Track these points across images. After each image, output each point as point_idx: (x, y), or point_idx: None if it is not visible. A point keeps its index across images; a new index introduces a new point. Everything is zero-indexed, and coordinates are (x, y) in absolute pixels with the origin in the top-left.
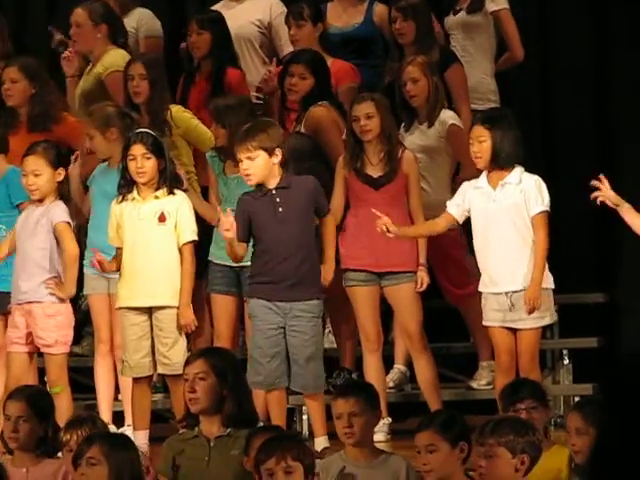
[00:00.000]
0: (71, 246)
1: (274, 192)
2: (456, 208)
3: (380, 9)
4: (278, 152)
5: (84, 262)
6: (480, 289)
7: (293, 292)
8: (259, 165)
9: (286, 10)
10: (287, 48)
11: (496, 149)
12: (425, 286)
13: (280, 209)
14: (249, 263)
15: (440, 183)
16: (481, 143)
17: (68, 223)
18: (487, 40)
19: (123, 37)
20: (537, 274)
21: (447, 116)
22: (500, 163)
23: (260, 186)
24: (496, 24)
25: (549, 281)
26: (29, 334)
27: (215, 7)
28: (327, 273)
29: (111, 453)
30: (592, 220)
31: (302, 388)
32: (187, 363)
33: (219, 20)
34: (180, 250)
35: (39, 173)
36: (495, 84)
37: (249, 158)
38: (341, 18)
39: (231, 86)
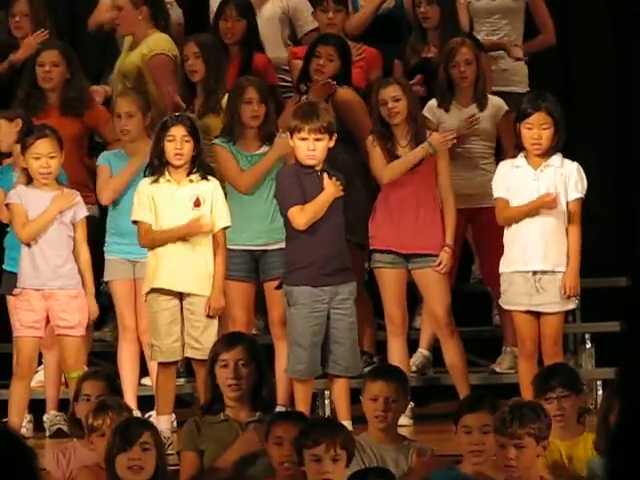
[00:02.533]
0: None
1: (320, 173)
2: (507, 192)
3: None
4: (334, 137)
5: (105, 248)
6: (506, 269)
7: (338, 275)
8: (324, 148)
9: None
10: (305, 27)
11: (557, 135)
12: (444, 269)
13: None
14: (271, 247)
15: (491, 164)
16: (545, 130)
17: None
18: (522, 24)
19: (164, 20)
20: (574, 261)
21: (502, 102)
22: (555, 149)
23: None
24: (528, 9)
25: None
26: (45, 318)
27: None
28: None
29: (158, 440)
30: (614, 204)
31: (345, 371)
32: (223, 349)
33: (252, 7)
34: (214, 236)
35: (54, 156)
36: None
37: (318, 140)
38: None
39: (259, 71)
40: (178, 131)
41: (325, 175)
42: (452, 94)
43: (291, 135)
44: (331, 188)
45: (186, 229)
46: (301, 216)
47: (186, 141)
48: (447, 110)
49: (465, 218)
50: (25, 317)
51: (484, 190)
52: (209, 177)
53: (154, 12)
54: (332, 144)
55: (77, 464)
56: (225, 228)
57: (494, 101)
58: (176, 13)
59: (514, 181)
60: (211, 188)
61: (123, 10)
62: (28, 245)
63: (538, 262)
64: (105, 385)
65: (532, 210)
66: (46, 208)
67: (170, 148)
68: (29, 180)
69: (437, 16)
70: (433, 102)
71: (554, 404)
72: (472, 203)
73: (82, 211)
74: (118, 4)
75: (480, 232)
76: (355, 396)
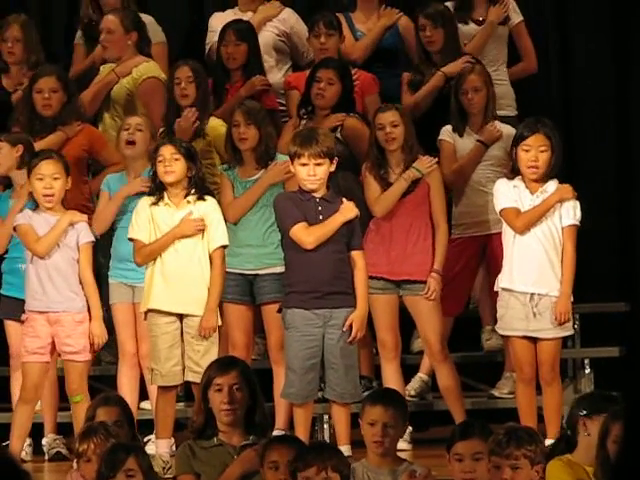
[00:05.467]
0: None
1: (317, 200)
2: (515, 203)
3: (405, 20)
4: (334, 161)
5: (109, 272)
6: (503, 285)
7: (333, 299)
8: (325, 172)
9: (298, 17)
10: (310, 55)
11: (554, 160)
12: (433, 294)
13: (321, 217)
14: (262, 271)
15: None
16: (542, 153)
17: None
18: (506, 50)
19: (147, 45)
20: (566, 287)
21: (512, 130)
22: (551, 174)
23: (303, 191)
24: (511, 35)
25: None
26: (50, 343)
27: (224, 15)
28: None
29: (144, 463)
30: (614, 229)
31: (340, 397)
32: (217, 373)
33: (253, 30)
34: (211, 255)
35: (58, 177)
36: None
37: (319, 165)
38: (365, 25)
39: (260, 95)
40: (167, 150)
41: (344, 199)
42: (465, 120)
43: (291, 161)
44: (342, 214)
45: (179, 229)
46: (307, 234)
47: (175, 159)
48: (461, 135)
49: (479, 245)
50: (30, 343)
51: (496, 216)
52: (206, 197)
53: (140, 37)
54: (333, 168)
55: None
56: (224, 247)
57: (507, 130)
58: (157, 31)
59: (514, 198)
60: (207, 208)
61: (114, 34)
62: (34, 268)
63: (533, 285)
64: (121, 411)
65: (549, 207)
66: (57, 221)
67: (160, 168)
68: (36, 205)
69: (442, 39)
70: (449, 126)
71: None
72: (487, 229)
73: (86, 236)
74: (109, 27)
75: (492, 257)
76: (356, 420)
